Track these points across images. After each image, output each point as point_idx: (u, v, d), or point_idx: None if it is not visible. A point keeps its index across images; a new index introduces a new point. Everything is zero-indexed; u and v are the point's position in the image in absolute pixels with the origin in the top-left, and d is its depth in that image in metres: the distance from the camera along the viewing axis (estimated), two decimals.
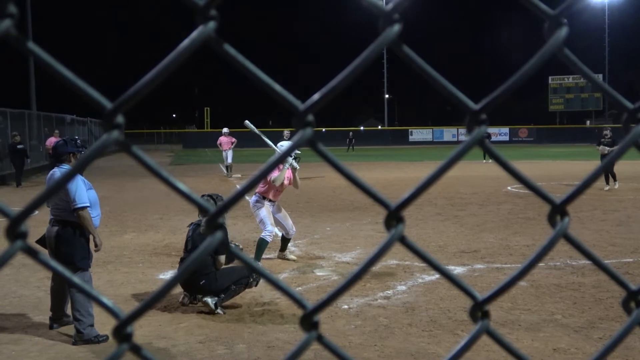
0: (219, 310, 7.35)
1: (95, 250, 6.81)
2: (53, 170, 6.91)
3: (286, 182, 9.94)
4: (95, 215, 6.75)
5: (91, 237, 6.74)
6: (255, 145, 10.79)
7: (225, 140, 28.10)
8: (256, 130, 10.58)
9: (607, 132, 20.48)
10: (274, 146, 10.38)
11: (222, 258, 7.61)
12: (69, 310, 6.84)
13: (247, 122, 10.86)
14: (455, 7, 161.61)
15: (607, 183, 19.63)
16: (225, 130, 28.41)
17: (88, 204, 6.61)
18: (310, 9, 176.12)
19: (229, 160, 27.84)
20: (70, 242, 6.63)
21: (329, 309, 7.17)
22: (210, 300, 7.36)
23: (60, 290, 6.88)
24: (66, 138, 7.16)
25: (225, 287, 7.45)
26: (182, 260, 7.86)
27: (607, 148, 19.45)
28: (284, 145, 10.29)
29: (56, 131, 27.99)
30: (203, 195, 8.04)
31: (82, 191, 6.60)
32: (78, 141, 7.17)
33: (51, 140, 26.09)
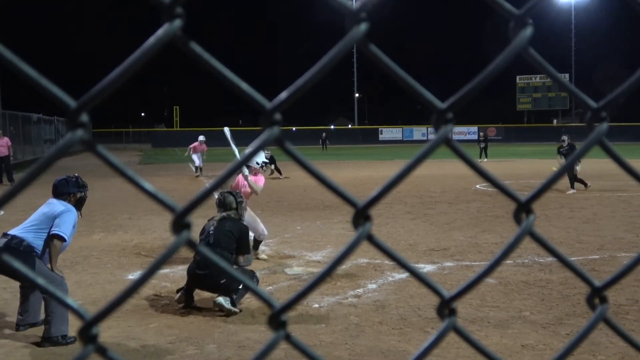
0: (235, 308, 7.20)
1: None
2: (55, 200, 6.78)
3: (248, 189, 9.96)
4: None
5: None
6: (226, 144, 10.76)
7: (196, 145, 28.20)
8: (229, 137, 10.65)
9: (565, 138, 19.40)
10: (238, 156, 10.44)
11: (244, 257, 7.64)
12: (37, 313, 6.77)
13: (226, 129, 10.98)
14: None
15: (572, 187, 18.83)
16: (201, 138, 28.46)
17: (66, 240, 6.56)
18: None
19: (198, 162, 27.89)
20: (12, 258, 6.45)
21: (300, 308, 7.17)
22: (223, 301, 7.20)
23: (30, 292, 6.77)
24: (67, 177, 6.98)
25: (237, 286, 7.28)
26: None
27: (562, 161, 18.20)
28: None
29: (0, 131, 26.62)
30: (222, 192, 8.19)
31: (70, 226, 6.59)
32: (79, 180, 7.00)
33: None
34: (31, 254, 6.42)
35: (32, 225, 6.59)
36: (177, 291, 7.67)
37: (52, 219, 6.54)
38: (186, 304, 7.51)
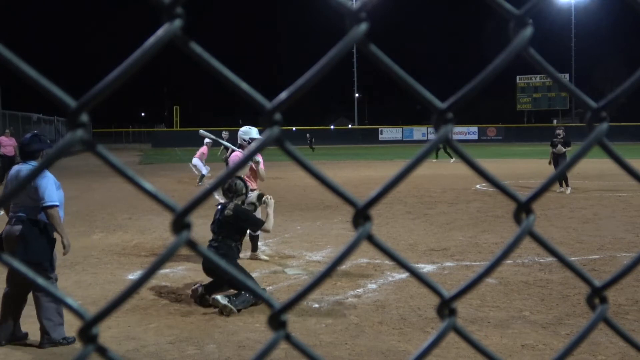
0: (231, 306, 7.21)
1: (64, 253, 6.59)
2: (18, 167, 6.66)
3: (254, 166, 9.98)
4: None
5: (58, 237, 6.53)
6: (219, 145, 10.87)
7: (205, 150, 25.25)
8: (212, 137, 10.87)
9: (560, 132, 19.28)
10: (232, 147, 10.53)
11: (263, 228, 8.07)
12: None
13: (201, 131, 11.21)
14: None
15: (561, 185, 18.72)
16: (207, 140, 25.08)
17: (57, 203, 6.43)
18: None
19: (205, 170, 24.21)
20: (36, 241, 6.38)
21: (300, 308, 7.17)
22: (219, 297, 7.25)
23: (17, 298, 6.51)
24: (36, 133, 6.91)
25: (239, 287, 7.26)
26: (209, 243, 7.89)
27: (562, 149, 18.54)
28: (244, 129, 10.34)
29: (7, 130, 26.33)
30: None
31: (53, 189, 6.40)
32: (42, 136, 6.95)
33: (1, 140, 25.06)
34: (52, 240, 6.47)
35: (27, 205, 6.40)
36: (194, 285, 7.79)
37: (32, 189, 6.33)
38: (200, 300, 7.61)
